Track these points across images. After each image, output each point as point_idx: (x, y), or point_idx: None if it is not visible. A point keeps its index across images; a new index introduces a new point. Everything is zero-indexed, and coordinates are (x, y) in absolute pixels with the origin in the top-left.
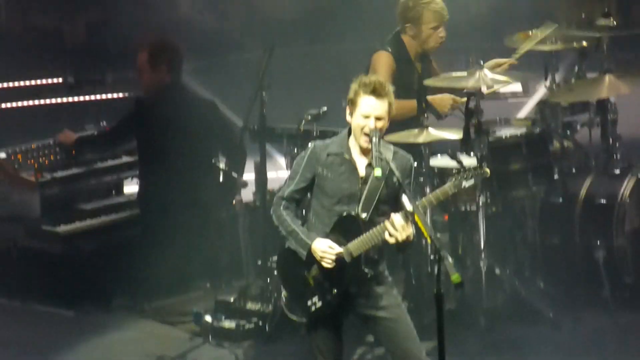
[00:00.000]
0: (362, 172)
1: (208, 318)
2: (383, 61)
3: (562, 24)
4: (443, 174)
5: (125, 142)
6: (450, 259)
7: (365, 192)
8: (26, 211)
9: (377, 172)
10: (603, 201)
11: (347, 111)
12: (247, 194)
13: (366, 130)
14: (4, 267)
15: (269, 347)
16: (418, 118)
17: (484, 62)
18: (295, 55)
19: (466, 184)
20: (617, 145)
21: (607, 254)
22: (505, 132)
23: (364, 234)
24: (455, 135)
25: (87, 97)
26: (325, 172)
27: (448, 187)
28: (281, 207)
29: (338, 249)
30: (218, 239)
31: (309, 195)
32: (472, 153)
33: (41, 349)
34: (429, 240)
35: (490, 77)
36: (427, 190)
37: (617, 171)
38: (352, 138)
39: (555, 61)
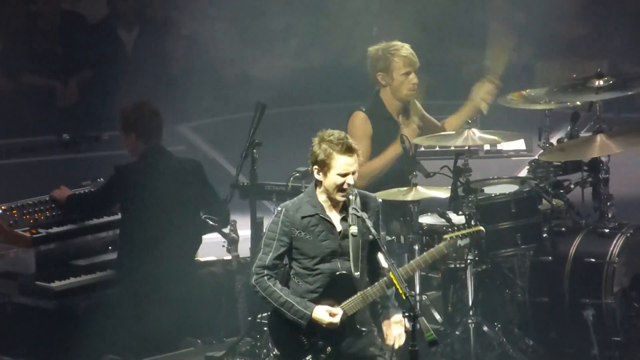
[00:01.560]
0: (338, 227)
1: None
2: (356, 122)
3: (555, 84)
4: (432, 232)
5: (110, 207)
6: (423, 318)
7: (351, 250)
8: (21, 267)
9: (354, 229)
10: (592, 260)
11: (315, 171)
12: (244, 250)
13: (345, 188)
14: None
15: None
16: (407, 177)
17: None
18: (285, 115)
19: (461, 242)
20: (609, 204)
21: (596, 313)
22: (494, 191)
23: (359, 293)
24: (443, 194)
25: (83, 154)
26: (302, 235)
27: (444, 245)
28: (265, 278)
29: (339, 313)
30: (213, 295)
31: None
32: (460, 212)
33: None
34: (403, 297)
35: (479, 136)
36: (416, 247)
37: (607, 230)
38: (320, 195)
39: (549, 120)
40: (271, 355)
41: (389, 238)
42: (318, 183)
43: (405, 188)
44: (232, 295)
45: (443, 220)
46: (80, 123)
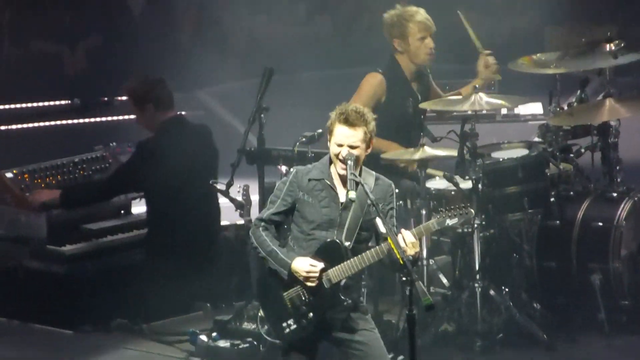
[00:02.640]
0: (342, 198)
1: (203, 338)
2: (368, 82)
3: (565, 49)
4: (440, 197)
5: (136, 183)
6: (421, 283)
7: (348, 220)
8: (33, 231)
9: (352, 194)
10: (600, 224)
11: (328, 138)
12: (256, 215)
13: (340, 157)
14: (10, 287)
15: None
16: (414, 139)
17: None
18: (293, 81)
19: (450, 222)
20: (618, 168)
21: (604, 277)
22: (502, 155)
23: (346, 262)
24: (450, 153)
25: (94, 119)
26: (306, 197)
27: (431, 223)
28: (260, 229)
29: (320, 265)
30: (220, 259)
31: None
32: (466, 176)
33: None
34: (401, 262)
35: (486, 101)
36: (423, 212)
37: (615, 195)
38: (332, 165)
39: (559, 85)
40: (259, 318)
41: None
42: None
43: (412, 149)
44: (244, 259)
45: (450, 184)
46: (90, 89)
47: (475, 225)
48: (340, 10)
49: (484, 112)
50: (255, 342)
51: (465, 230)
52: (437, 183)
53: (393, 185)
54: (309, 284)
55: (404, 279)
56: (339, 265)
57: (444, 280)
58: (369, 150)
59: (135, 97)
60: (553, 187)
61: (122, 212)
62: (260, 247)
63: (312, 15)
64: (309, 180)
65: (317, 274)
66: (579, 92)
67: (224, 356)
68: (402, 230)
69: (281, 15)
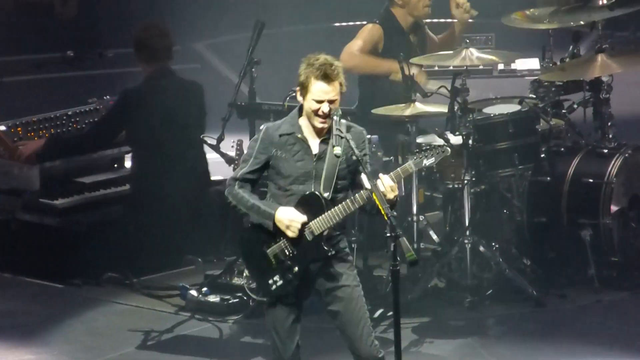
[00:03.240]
0: (315, 149)
1: (193, 292)
2: (368, 29)
3: (558, 3)
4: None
5: (120, 131)
6: (405, 238)
7: (324, 171)
8: (25, 184)
9: (337, 150)
10: (590, 180)
11: (298, 92)
12: None
13: (319, 115)
14: (2, 240)
15: (252, 322)
16: (405, 94)
17: None
18: (284, 35)
19: (427, 162)
20: (609, 124)
21: (594, 233)
22: (494, 111)
23: (326, 212)
24: (441, 109)
25: (88, 72)
26: (279, 153)
27: (408, 165)
28: (236, 187)
29: (303, 218)
30: (212, 214)
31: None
32: (457, 132)
33: (30, 321)
34: (385, 218)
35: (477, 56)
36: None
37: (606, 151)
38: (303, 117)
39: (552, 40)
40: (244, 276)
41: (386, 158)
42: (301, 105)
43: (403, 104)
44: (236, 214)
45: (441, 140)
46: (83, 41)
47: (466, 181)
48: None
49: (480, 67)
50: (244, 297)
51: (456, 185)
52: (428, 138)
53: (364, 132)
54: (289, 233)
55: (388, 234)
56: (321, 217)
57: (434, 236)
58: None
59: (134, 42)
60: (544, 143)
61: (116, 165)
62: (239, 204)
63: None
64: (280, 135)
65: (298, 226)
66: (571, 47)
67: (213, 311)
68: (381, 174)
69: None
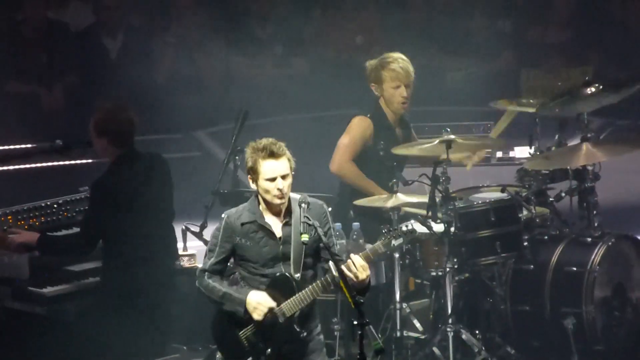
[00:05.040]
0: (278, 233)
1: None
2: (358, 125)
3: (544, 93)
4: (414, 239)
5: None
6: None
7: (291, 252)
8: (15, 272)
9: (304, 238)
10: (573, 269)
11: (250, 180)
12: None
13: (275, 192)
14: None
15: None
16: (387, 183)
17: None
18: (270, 124)
19: (395, 242)
20: (595, 212)
21: (577, 322)
22: (479, 199)
23: (297, 294)
24: (423, 199)
25: (76, 161)
26: (243, 241)
27: (377, 246)
28: (205, 277)
29: (271, 303)
30: (197, 301)
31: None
32: (438, 220)
33: None
34: (352, 305)
35: (459, 143)
36: (397, 255)
37: (589, 239)
38: (261, 203)
39: (539, 127)
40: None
41: (369, 245)
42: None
43: (385, 195)
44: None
45: (424, 228)
46: (68, 130)
47: (448, 269)
48: (318, 52)
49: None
50: None
51: (439, 273)
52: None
53: (325, 205)
54: (255, 315)
55: (355, 322)
56: (292, 298)
57: (417, 324)
58: (349, 179)
59: (94, 126)
60: (528, 231)
61: None
62: (211, 295)
63: (288, 57)
64: (242, 224)
65: (264, 310)
66: (557, 135)
67: None
68: (352, 255)
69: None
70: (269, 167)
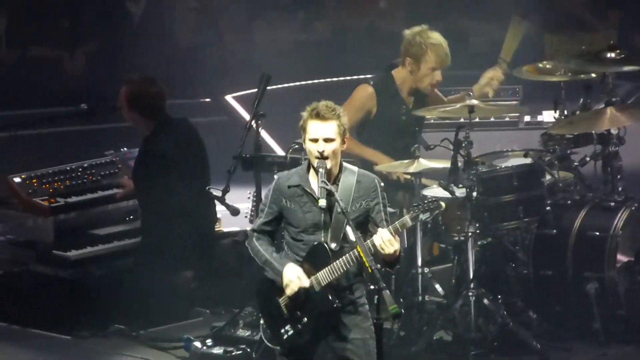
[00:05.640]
0: (322, 202)
1: (197, 344)
2: (358, 94)
3: (569, 57)
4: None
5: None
6: (388, 291)
7: (332, 222)
8: (40, 236)
9: (322, 202)
10: (596, 233)
11: (303, 139)
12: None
13: (316, 154)
14: (15, 291)
15: None
16: (409, 148)
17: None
18: (289, 89)
19: (423, 216)
20: (619, 177)
21: (599, 287)
22: (503, 164)
23: (332, 264)
24: (445, 164)
25: (101, 125)
26: (289, 204)
27: (405, 219)
28: (254, 239)
29: (305, 281)
30: (225, 264)
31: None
32: (460, 185)
33: None
34: (369, 271)
35: (479, 106)
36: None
37: (612, 204)
38: (311, 167)
39: (564, 93)
40: (261, 325)
41: (391, 210)
42: None
43: (407, 160)
44: (252, 265)
45: (446, 193)
46: (92, 95)
47: (470, 233)
48: (340, 17)
49: (507, 118)
50: (248, 349)
51: (462, 238)
52: (433, 191)
53: (377, 180)
54: (287, 290)
55: (371, 287)
56: (326, 268)
57: (439, 289)
58: (345, 146)
59: (125, 100)
60: (551, 196)
61: (131, 217)
62: (256, 257)
63: (310, 22)
64: (289, 187)
65: (295, 288)
66: (582, 99)
67: None
68: (379, 229)
69: (279, 21)
70: (313, 128)
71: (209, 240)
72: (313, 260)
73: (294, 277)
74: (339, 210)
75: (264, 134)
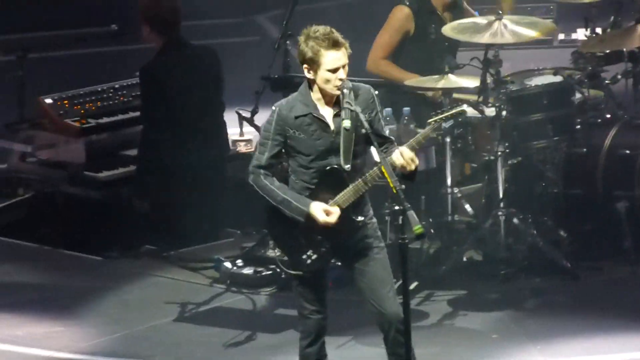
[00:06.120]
0: (332, 125)
1: (227, 264)
2: (398, 16)
3: None
4: (465, 124)
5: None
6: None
7: (342, 143)
8: (71, 157)
9: (346, 123)
10: (626, 152)
11: (306, 70)
12: None
13: (337, 83)
14: (47, 212)
15: (285, 294)
16: (440, 67)
17: None
18: (321, 9)
19: (445, 125)
20: None
21: (630, 205)
22: (533, 82)
23: (350, 185)
24: (474, 83)
25: (131, 46)
26: (296, 134)
27: (428, 130)
28: (262, 177)
29: (335, 212)
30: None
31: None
32: (489, 104)
33: (64, 294)
34: (394, 191)
35: (510, 29)
36: (447, 140)
37: None
38: (314, 93)
39: (594, 10)
40: (276, 254)
41: (420, 130)
42: (310, 81)
43: (436, 76)
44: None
45: (476, 112)
46: (122, 15)
47: (499, 153)
48: None
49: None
50: (278, 269)
51: (491, 157)
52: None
53: (372, 89)
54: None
55: (396, 207)
56: (345, 190)
57: (469, 209)
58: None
59: (140, 13)
60: (581, 114)
61: None
62: (268, 197)
63: None
64: (295, 117)
65: (333, 222)
66: (612, 17)
67: (246, 283)
68: (400, 148)
69: None
70: (332, 58)
71: (221, 166)
72: (328, 184)
73: (326, 217)
74: (347, 128)
75: (293, 54)
